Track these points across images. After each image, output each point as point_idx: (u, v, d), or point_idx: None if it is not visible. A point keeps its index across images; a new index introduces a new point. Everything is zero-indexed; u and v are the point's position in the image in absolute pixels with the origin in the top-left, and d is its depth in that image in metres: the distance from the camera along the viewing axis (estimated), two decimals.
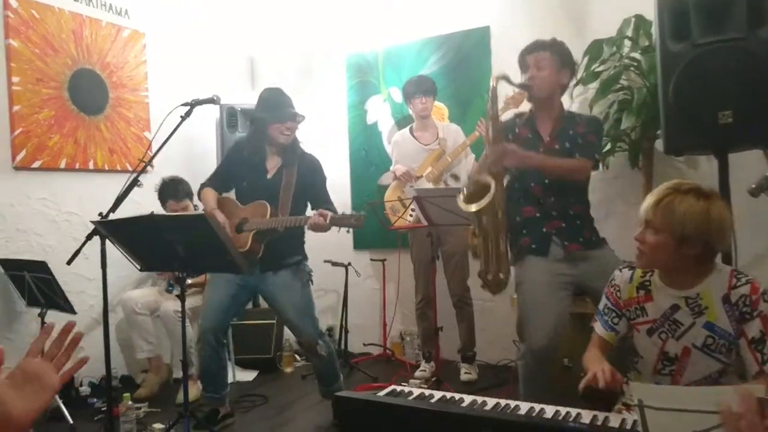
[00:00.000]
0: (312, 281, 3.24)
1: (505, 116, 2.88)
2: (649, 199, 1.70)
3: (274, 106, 3.10)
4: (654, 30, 2.76)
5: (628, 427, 1.43)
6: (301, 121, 3.13)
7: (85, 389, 3.73)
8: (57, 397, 3.37)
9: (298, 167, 3.11)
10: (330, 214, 2.81)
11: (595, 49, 3.49)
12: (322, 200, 3.12)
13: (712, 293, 1.69)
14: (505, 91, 3.72)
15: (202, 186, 3.22)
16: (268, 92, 3.20)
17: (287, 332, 4.58)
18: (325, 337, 3.21)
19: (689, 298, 1.72)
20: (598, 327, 1.93)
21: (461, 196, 2.51)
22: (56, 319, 3.53)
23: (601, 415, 1.54)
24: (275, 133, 3.09)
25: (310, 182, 3.12)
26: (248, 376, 4.17)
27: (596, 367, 1.70)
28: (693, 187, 1.67)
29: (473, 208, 2.42)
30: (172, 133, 2.91)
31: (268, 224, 2.95)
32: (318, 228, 2.85)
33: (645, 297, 1.81)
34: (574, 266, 2.53)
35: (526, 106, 3.25)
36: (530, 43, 2.69)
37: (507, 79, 2.59)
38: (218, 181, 3.23)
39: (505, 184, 2.54)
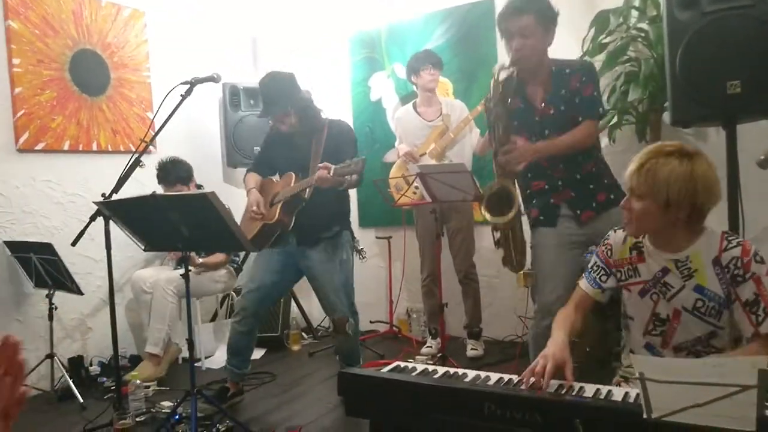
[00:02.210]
0: (359, 252, 3.17)
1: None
2: (632, 165, 1.68)
3: (263, 103, 3.10)
4: None
5: (631, 400, 1.42)
6: (281, 113, 3.01)
7: (95, 369, 3.78)
8: (67, 376, 3.42)
9: (327, 134, 3.06)
10: (334, 167, 2.74)
11: (601, 20, 3.42)
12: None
13: (702, 256, 1.68)
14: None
15: (247, 171, 3.27)
16: (260, 84, 3.09)
17: (294, 310, 4.61)
18: (356, 316, 3.19)
19: (679, 261, 1.70)
20: (583, 282, 1.92)
21: (483, 208, 2.62)
22: (64, 300, 3.58)
23: (604, 389, 1.53)
24: (276, 123, 3.10)
25: (335, 147, 3.03)
26: (256, 354, 4.18)
27: (552, 342, 1.71)
28: (675, 148, 1.64)
29: (502, 220, 2.56)
30: (173, 113, 2.89)
31: (289, 192, 2.96)
32: (324, 181, 2.78)
33: (638, 258, 1.80)
34: (586, 226, 2.55)
35: None
36: (508, 5, 2.52)
37: (504, 67, 2.59)
38: (260, 164, 3.26)
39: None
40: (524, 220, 2.74)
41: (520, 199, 2.56)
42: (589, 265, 1.94)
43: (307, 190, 2.91)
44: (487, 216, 2.60)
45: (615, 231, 1.90)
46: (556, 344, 1.70)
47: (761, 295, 1.61)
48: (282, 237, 3.06)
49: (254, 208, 3.03)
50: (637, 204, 1.67)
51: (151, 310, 3.77)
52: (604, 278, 1.88)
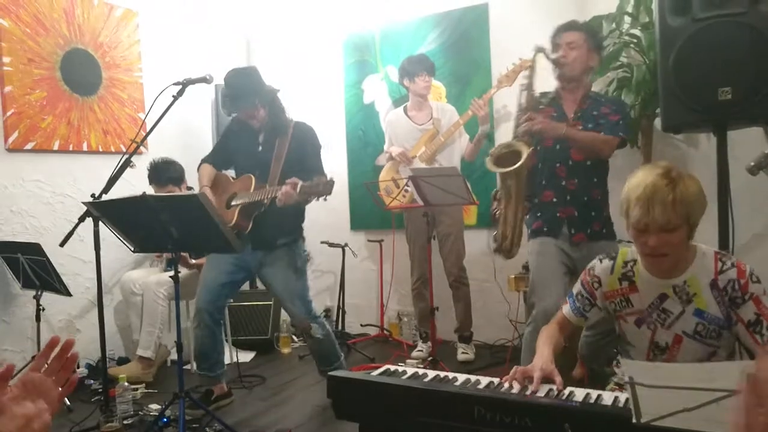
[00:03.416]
0: (308, 260, 3.20)
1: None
2: (662, 202, 1.55)
3: (230, 99, 3.03)
4: (654, 5, 2.71)
5: (621, 404, 1.42)
6: (250, 106, 2.97)
7: (82, 371, 3.74)
8: None
9: (291, 137, 3.02)
10: (301, 183, 2.66)
11: (594, 26, 3.43)
12: (311, 170, 2.94)
13: (699, 280, 1.67)
14: (499, 70, 3.71)
15: (202, 161, 3.22)
16: (225, 80, 3.03)
17: (284, 313, 4.59)
18: (320, 320, 3.18)
19: (677, 287, 1.69)
20: (566, 308, 1.93)
21: (489, 158, 2.68)
22: (52, 301, 3.55)
23: (594, 393, 1.52)
24: (245, 118, 3.06)
25: (300, 152, 3.01)
26: (246, 357, 4.17)
27: (538, 356, 1.70)
28: (675, 170, 1.62)
29: (502, 170, 2.61)
30: (164, 114, 2.88)
31: (249, 197, 2.92)
32: (288, 198, 2.70)
33: (629, 288, 1.78)
34: (577, 249, 2.68)
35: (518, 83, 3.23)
36: (564, 23, 2.82)
37: (544, 52, 2.74)
38: (217, 156, 3.22)
39: (529, 153, 2.65)
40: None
41: (525, 154, 2.58)
42: (574, 292, 1.92)
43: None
44: (492, 168, 2.66)
45: (600, 261, 1.86)
46: (543, 359, 1.69)
47: (762, 314, 1.61)
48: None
49: None
50: (673, 236, 1.59)
51: (142, 312, 3.74)
52: (587, 308, 1.88)
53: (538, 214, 2.79)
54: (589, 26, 2.86)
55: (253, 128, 3.06)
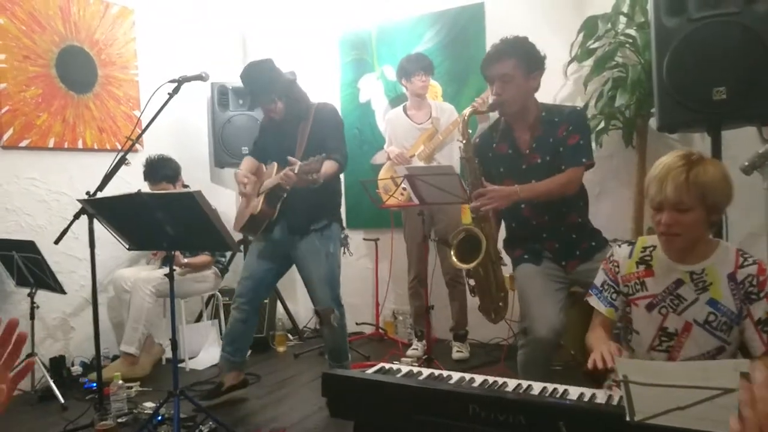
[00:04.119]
0: (346, 245, 3.33)
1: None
2: (674, 180, 1.60)
3: (249, 96, 3.09)
4: (649, 5, 2.72)
5: (615, 402, 1.42)
6: (267, 102, 2.99)
7: (76, 369, 3.73)
8: (48, 376, 3.37)
9: (312, 120, 3.04)
10: (299, 163, 2.70)
11: (590, 26, 3.45)
12: (331, 150, 2.92)
13: (718, 270, 1.68)
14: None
15: (246, 155, 3.30)
16: (241, 77, 3.07)
17: (280, 311, 4.59)
18: (342, 309, 3.18)
19: (694, 273, 1.70)
20: (597, 303, 1.89)
21: (452, 255, 2.58)
22: (46, 298, 3.54)
23: (588, 392, 1.53)
24: (266, 113, 3.10)
25: (321, 133, 3.01)
26: None
27: (601, 346, 1.69)
28: (699, 155, 1.67)
29: (467, 265, 2.53)
30: (159, 111, 2.88)
31: (269, 184, 2.96)
32: (288, 180, 2.77)
33: (645, 272, 1.79)
34: (569, 272, 2.52)
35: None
36: (489, 51, 2.49)
37: (476, 111, 2.61)
38: (257, 150, 3.27)
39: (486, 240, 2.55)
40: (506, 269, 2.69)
41: (484, 245, 2.49)
42: (598, 283, 1.91)
43: None
44: (457, 265, 2.58)
45: (619, 246, 1.88)
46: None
47: None
48: (270, 226, 3.07)
49: (243, 187, 3.05)
50: (686, 216, 1.62)
51: (132, 308, 3.73)
52: (614, 296, 1.87)
53: (516, 244, 2.61)
54: (518, 46, 2.44)
55: (277, 119, 3.08)
